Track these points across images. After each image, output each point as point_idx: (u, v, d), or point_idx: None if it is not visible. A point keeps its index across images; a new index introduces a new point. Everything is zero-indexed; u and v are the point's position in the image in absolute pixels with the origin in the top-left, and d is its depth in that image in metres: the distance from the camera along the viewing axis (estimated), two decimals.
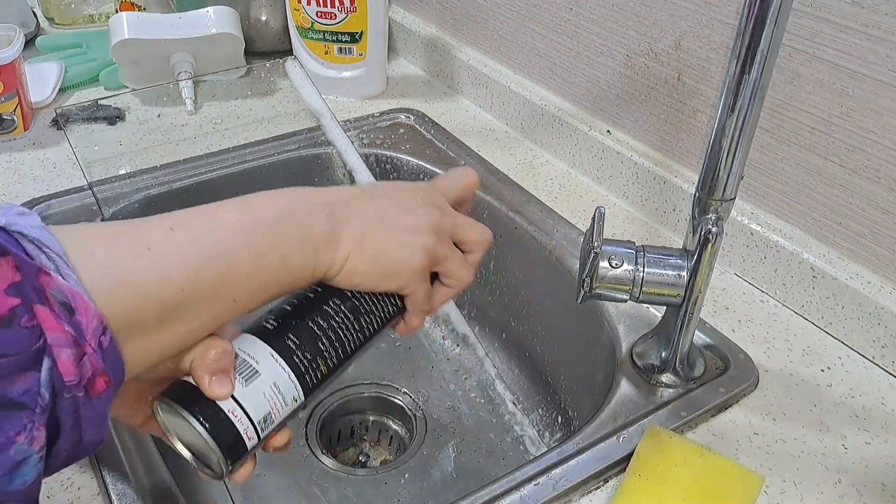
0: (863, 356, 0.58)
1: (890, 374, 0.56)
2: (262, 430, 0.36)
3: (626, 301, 0.51)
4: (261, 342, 0.37)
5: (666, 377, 0.54)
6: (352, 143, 0.78)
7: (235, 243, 0.35)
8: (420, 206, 0.41)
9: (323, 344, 0.38)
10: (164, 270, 0.32)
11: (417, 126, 0.87)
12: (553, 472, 0.48)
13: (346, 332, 0.39)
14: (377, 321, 0.41)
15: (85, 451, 0.31)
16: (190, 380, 0.35)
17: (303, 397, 0.37)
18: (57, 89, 0.88)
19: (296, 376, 0.37)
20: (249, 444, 0.35)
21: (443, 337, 0.71)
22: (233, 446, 0.35)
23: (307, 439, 0.70)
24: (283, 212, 0.37)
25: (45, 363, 0.28)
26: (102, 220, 0.68)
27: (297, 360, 0.37)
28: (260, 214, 0.37)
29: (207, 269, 0.33)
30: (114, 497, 0.45)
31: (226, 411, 0.34)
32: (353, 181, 0.77)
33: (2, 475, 0.27)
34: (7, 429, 0.27)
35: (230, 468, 0.35)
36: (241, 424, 0.35)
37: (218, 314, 0.35)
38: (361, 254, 0.38)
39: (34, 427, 0.28)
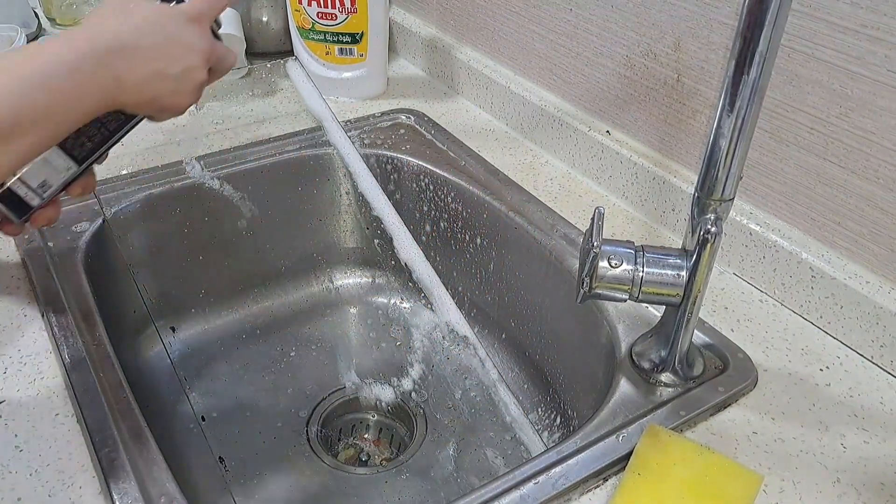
0: (861, 356, 0.58)
1: (889, 373, 0.56)
2: (43, 193, 0.50)
3: (625, 301, 0.51)
4: None
5: (665, 376, 0.54)
6: (352, 143, 0.78)
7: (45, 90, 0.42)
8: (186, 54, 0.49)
9: (86, 127, 0.48)
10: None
11: (418, 126, 0.87)
12: (553, 470, 0.48)
13: (106, 118, 0.50)
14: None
15: None
16: None
17: (75, 166, 0.50)
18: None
19: (63, 151, 0.49)
20: (33, 203, 0.50)
21: (443, 337, 0.72)
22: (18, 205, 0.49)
23: (308, 438, 0.71)
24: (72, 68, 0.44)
25: None
26: (104, 220, 0.68)
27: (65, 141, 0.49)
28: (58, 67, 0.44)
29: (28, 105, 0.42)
30: (115, 496, 0.45)
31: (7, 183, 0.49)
32: (353, 181, 0.77)
33: None
34: None
35: (22, 220, 0.50)
36: (21, 190, 0.49)
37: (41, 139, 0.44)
38: (140, 98, 0.48)
39: None
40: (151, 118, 0.51)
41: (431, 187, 0.81)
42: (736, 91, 0.43)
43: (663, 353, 0.54)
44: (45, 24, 1.10)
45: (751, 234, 0.63)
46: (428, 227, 0.84)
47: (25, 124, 0.42)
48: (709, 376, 0.55)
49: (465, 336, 0.72)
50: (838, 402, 0.54)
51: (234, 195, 0.74)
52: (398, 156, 0.82)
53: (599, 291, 0.50)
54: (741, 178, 0.48)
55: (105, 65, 0.45)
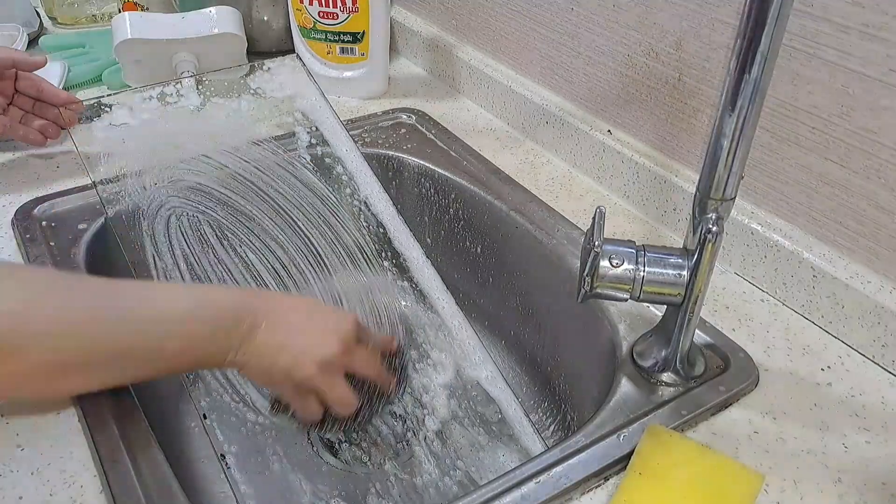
0: (863, 355, 0.58)
1: (890, 373, 0.56)
2: None
3: (626, 300, 0.51)
4: None
5: (666, 376, 0.54)
6: (354, 142, 0.78)
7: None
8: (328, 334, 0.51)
9: None
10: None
11: (419, 126, 0.87)
12: (554, 470, 0.48)
13: None
14: None
15: None
16: None
17: None
18: (60, 89, 0.88)
19: None
20: None
21: (444, 336, 0.72)
22: None
23: (309, 437, 0.71)
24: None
25: None
26: (106, 218, 0.68)
27: None
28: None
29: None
30: (116, 495, 0.45)
31: None
32: (353, 181, 0.77)
33: None
34: None
35: None
36: None
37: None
38: (258, 364, 0.50)
39: None
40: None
41: (432, 187, 0.81)
42: (737, 90, 0.43)
43: (664, 353, 0.54)
44: (47, 23, 1.10)
45: (752, 233, 0.63)
46: (428, 227, 0.84)
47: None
48: (710, 376, 0.55)
49: (464, 333, 0.72)
50: (840, 401, 0.54)
51: (234, 195, 0.74)
52: (399, 155, 0.82)
53: (600, 291, 0.50)
54: (742, 177, 0.47)
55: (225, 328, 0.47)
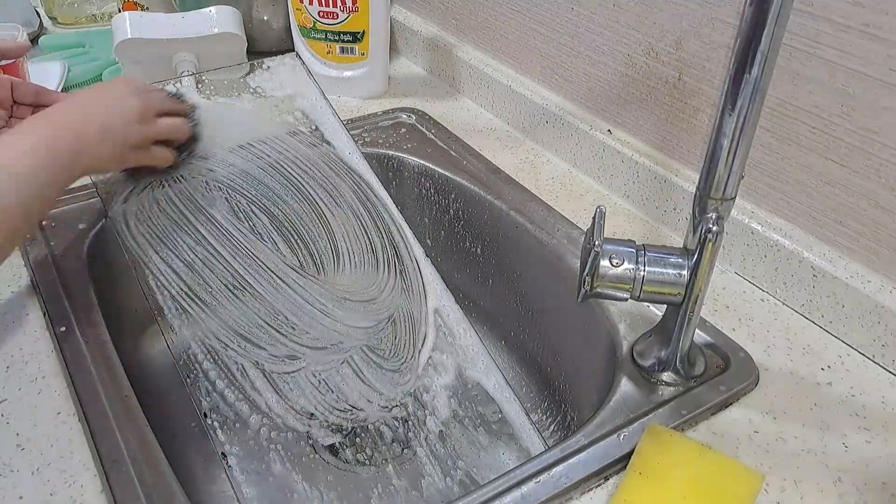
0: (863, 355, 0.58)
1: (890, 372, 0.56)
2: None
3: (626, 300, 0.51)
4: None
5: (666, 375, 0.54)
6: (355, 142, 0.78)
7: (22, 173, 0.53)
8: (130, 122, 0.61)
9: None
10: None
11: (419, 125, 0.87)
12: (554, 469, 0.48)
13: None
14: None
15: None
16: None
17: None
18: (60, 89, 0.88)
19: None
20: None
21: (443, 332, 0.72)
22: None
23: (308, 427, 0.71)
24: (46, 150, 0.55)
25: None
26: (106, 219, 0.68)
27: None
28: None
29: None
30: (117, 495, 0.46)
31: None
32: (351, 179, 0.77)
33: None
34: None
35: None
36: None
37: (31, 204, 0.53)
38: (98, 157, 0.59)
39: None
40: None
41: (432, 187, 0.81)
42: (737, 90, 0.43)
43: (664, 353, 0.54)
44: (47, 23, 1.10)
45: (752, 233, 0.63)
46: (429, 226, 0.84)
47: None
48: (710, 375, 0.55)
49: (465, 332, 0.72)
50: (840, 401, 0.54)
51: (234, 195, 0.74)
52: (399, 155, 0.82)
53: (600, 290, 0.50)
54: (743, 177, 0.47)
55: (57, 151, 0.55)
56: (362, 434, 0.75)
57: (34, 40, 1.02)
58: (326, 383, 0.69)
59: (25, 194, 0.52)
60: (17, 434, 0.50)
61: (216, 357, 0.66)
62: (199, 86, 0.88)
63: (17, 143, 0.54)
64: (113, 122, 0.60)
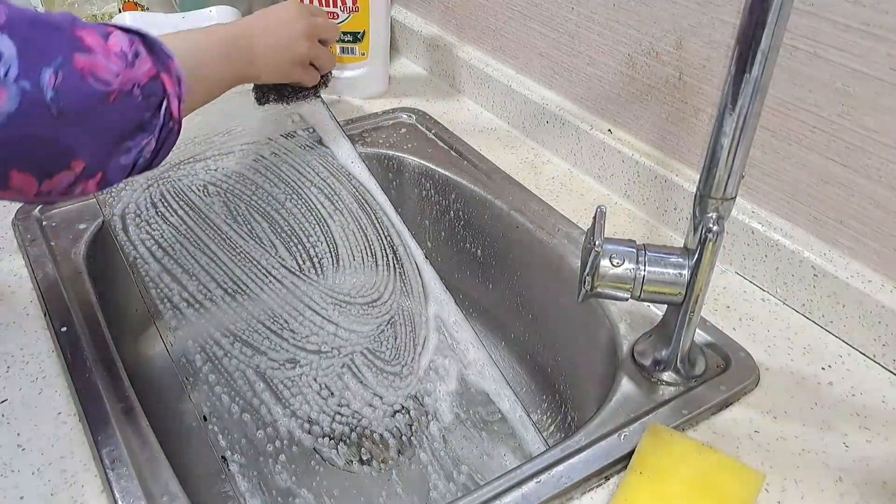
0: (864, 354, 0.58)
1: (891, 372, 0.56)
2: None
3: (626, 300, 0.51)
4: None
5: (667, 375, 0.54)
6: (353, 143, 0.78)
7: (210, 55, 0.61)
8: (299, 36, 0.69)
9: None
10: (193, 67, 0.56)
11: (419, 125, 0.87)
12: (555, 469, 0.48)
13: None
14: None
15: (161, 160, 0.53)
16: None
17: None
18: None
19: None
20: None
21: (444, 334, 0.72)
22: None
23: (309, 431, 0.70)
24: (227, 44, 0.64)
25: (164, 105, 0.50)
26: (104, 221, 0.68)
27: None
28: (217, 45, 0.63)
29: (202, 66, 0.59)
30: (118, 495, 0.46)
31: None
32: (349, 181, 0.77)
33: (135, 161, 0.50)
34: (142, 138, 0.49)
35: None
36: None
37: (209, 87, 0.61)
38: (269, 65, 0.68)
39: (153, 139, 0.50)
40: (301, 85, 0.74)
41: (433, 187, 0.81)
42: (738, 89, 0.43)
43: (665, 352, 0.54)
44: None
45: (753, 232, 0.63)
46: (429, 227, 0.84)
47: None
48: (710, 375, 0.55)
49: (465, 332, 0.72)
50: (840, 400, 0.54)
51: (233, 199, 0.74)
52: (400, 155, 0.82)
53: (601, 290, 0.50)
54: (743, 176, 0.48)
55: (237, 47, 0.63)
56: (365, 439, 0.75)
57: None
58: (328, 388, 0.69)
59: (202, 75, 0.58)
60: (18, 434, 0.50)
61: (216, 362, 0.66)
62: None
63: (196, 34, 0.60)
64: (281, 38, 0.67)
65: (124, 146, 0.49)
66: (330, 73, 0.77)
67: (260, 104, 0.74)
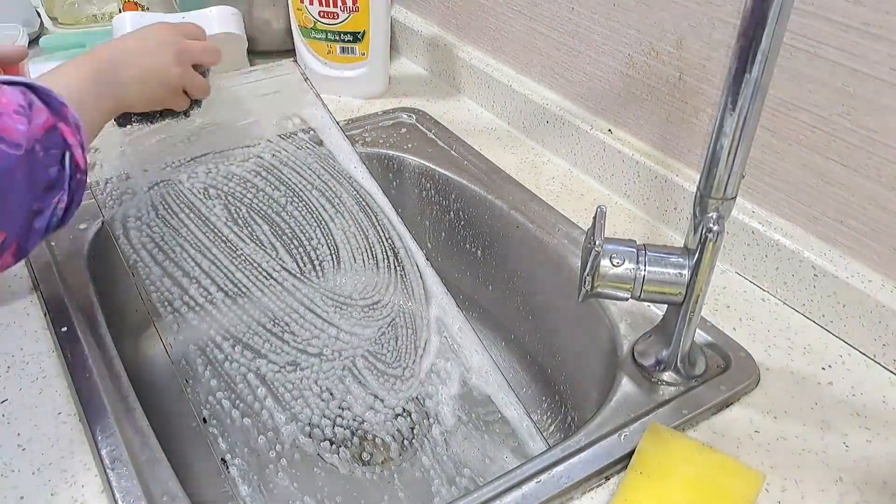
0: (864, 354, 0.58)
1: (891, 372, 0.56)
2: None
3: (627, 299, 0.51)
4: None
5: (667, 375, 0.54)
6: (352, 143, 0.78)
7: (83, 94, 0.56)
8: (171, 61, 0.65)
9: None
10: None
11: (419, 125, 0.87)
12: (555, 469, 0.48)
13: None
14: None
15: (72, 215, 0.50)
16: None
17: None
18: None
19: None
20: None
21: (445, 336, 0.72)
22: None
23: (310, 435, 0.70)
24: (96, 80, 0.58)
25: (66, 157, 0.47)
26: (103, 221, 0.68)
27: None
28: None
29: (79, 106, 0.53)
30: (118, 495, 0.46)
31: None
32: (350, 183, 0.77)
33: (48, 223, 0.47)
34: (52, 198, 0.46)
35: None
36: None
37: (90, 129, 0.56)
38: (138, 94, 0.64)
39: (64, 195, 0.47)
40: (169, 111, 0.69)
41: (433, 187, 0.81)
42: (738, 89, 0.43)
43: (665, 352, 0.54)
44: (48, 23, 1.10)
45: (753, 232, 0.63)
46: (429, 227, 0.84)
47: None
48: (711, 375, 0.55)
49: (465, 333, 0.72)
50: (840, 400, 0.54)
51: (233, 201, 0.74)
52: (400, 155, 0.82)
53: (601, 290, 0.50)
54: (743, 176, 0.47)
55: (105, 82, 0.58)
56: (367, 442, 0.74)
57: (35, 40, 1.02)
58: (330, 391, 0.69)
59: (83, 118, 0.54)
60: (18, 434, 0.50)
61: (217, 365, 0.66)
62: None
63: (64, 74, 0.55)
64: (150, 66, 0.63)
65: (37, 209, 0.46)
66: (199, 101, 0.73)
67: (121, 126, 0.69)
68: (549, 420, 0.73)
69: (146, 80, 0.63)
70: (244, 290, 0.71)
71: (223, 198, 0.74)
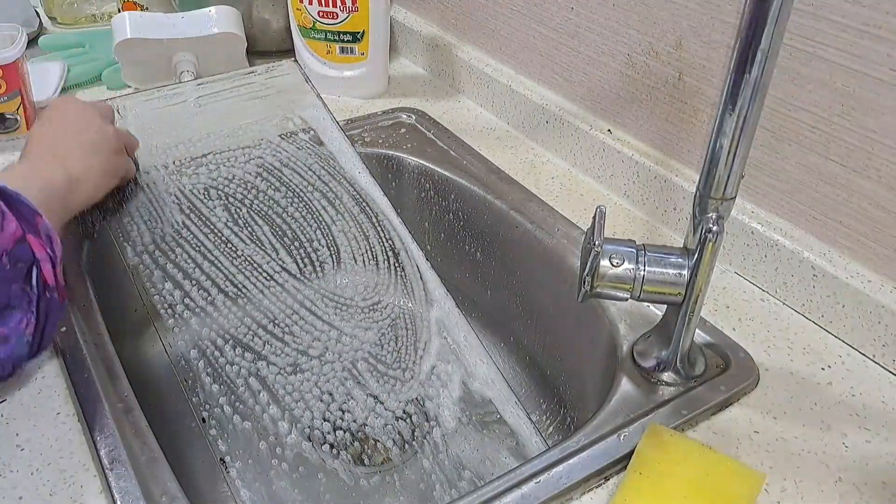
0: (863, 354, 0.58)
1: (890, 372, 0.56)
2: None
3: (626, 300, 0.51)
4: None
5: (667, 375, 0.54)
6: (352, 143, 0.78)
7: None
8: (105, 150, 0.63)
9: None
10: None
11: (419, 125, 0.87)
12: (554, 469, 0.48)
13: None
14: None
15: (49, 339, 0.46)
16: None
17: None
18: (59, 89, 0.88)
19: None
20: None
21: (445, 338, 0.72)
22: None
23: (310, 437, 0.70)
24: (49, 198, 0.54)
25: (34, 273, 0.42)
26: (103, 221, 0.68)
27: None
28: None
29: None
30: (117, 495, 0.45)
31: None
32: (351, 184, 0.77)
33: (14, 351, 0.42)
34: (13, 320, 0.41)
35: None
36: None
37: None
38: (92, 190, 0.61)
39: (31, 316, 0.42)
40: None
41: (432, 187, 0.81)
42: (738, 90, 0.43)
43: (665, 353, 0.54)
44: (47, 23, 1.10)
45: (752, 232, 0.63)
46: (429, 227, 0.84)
47: None
48: (710, 375, 0.55)
49: (465, 334, 0.72)
50: (840, 401, 0.54)
51: (234, 202, 0.74)
52: (399, 155, 0.82)
53: (601, 290, 0.50)
54: (743, 176, 0.47)
55: (57, 199, 0.55)
56: (367, 445, 0.74)
57: (34, 40, 1.02)
58: (330, 394, 0.69)
59: None
60: (17, 434, 0.50)
61: (217, 366, 0.66)
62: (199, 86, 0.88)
63: (31, 186, 0.51)
64: (96, 156, 0.61)
65: None
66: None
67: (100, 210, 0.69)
68: (549, 420, 0.73)
69: (99, 187, 0.61)
70: (244, 291, 0.71)
71: (224, 199, 0.74)
